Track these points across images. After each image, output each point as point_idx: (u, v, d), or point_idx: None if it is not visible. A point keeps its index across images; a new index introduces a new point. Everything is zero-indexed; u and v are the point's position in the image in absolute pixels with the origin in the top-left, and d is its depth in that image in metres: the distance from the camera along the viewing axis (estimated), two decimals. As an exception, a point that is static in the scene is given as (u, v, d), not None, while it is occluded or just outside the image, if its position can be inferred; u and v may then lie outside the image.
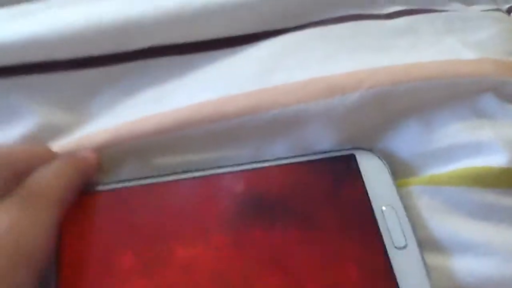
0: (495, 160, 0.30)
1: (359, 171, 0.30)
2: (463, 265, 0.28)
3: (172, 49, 0.34)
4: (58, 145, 0.31)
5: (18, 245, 0.23)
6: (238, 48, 0.35)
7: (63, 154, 0.30)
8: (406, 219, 0.28)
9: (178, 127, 0.31)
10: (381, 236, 0.27)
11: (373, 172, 0.30)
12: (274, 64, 0.34)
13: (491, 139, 0.31)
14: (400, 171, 0.31)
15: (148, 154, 0.31)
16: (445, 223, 0.29)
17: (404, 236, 0.27)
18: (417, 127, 0.32)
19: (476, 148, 0.31)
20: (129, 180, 0.30)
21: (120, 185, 0.30)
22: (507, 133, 0.31)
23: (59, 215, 0.26)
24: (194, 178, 0.30)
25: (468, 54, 0.34)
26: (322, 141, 0.32)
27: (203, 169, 0.30)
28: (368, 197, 0.29)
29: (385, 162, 0.30)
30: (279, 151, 0.32)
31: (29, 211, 0.24)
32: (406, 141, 0.32)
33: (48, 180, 0.27)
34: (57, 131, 0.32)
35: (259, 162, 0.31)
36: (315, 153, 0.31)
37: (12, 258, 0.23)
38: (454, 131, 0.31)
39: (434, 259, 0.28)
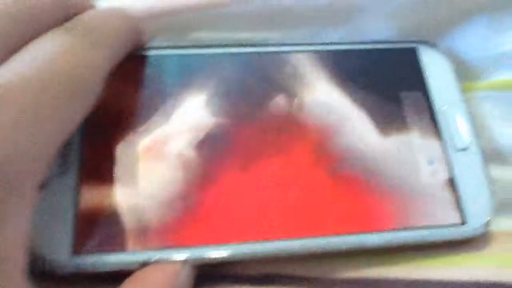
0: None
1: (421, 66, 0.27)
2: None
3: None
4: None
5: (75, 74, 0.20)
6: None
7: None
8: (469, 120, 0.25)
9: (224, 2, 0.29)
10: (441, 135, 0.25)
11: (435, 68, 0.27)
12: None
13: None
14: (463, 73, 0.28)
15: (187, 29, 0.29)
16: (508, 132, 0.26)
17: (465, 137, 0.25)
18: (485, 27, 0.29)
19: None
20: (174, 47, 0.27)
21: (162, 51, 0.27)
22: None
23: (112, 61, 0.22)
24: (243, 54, 0.27)
25: None
26: (382, 32, 0.29)
27: (256, 45, 0.27)
28: (429, 94, 0.26)
29: (449, 59, 0.28)
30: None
31: (86, 45, 0.21)
32: (471, 41, 0.29)
33: (105, 19, 0.23)
34: None
35: (312, 44, 0.28)
36: (374, 42, 0.28)
37: (67, 87, 0.19)
38: None
39: (496, 170, 0.25)
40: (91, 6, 0.24)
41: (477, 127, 0.26)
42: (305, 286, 0.22)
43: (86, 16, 0.22)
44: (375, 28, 0.29)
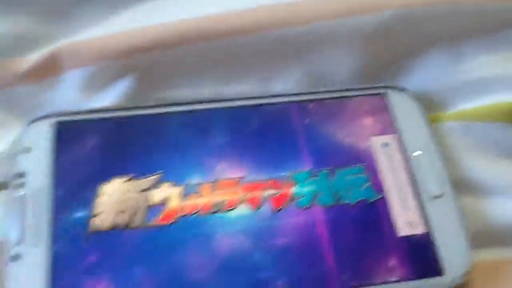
0: None
1: (392, 113, 0.27)
2: (497, 206, 0.26)
3: None
4: (30, 59, 0.27)
5: None
6: None
7: None
8: (442, 166, 0.25)
9: (176, 41, 0.27)
10: (415, 184, 0.25)
11: (406, 114, 0.27)
12: None
13: None
14: (428, 104, 0.28)
15: (142, 71, 0.28)
16: (477, 163, 0.27)
17: (440, 184, 0.25)
18: (445, 57, 0.29)
19: (508, 82, 0.28)
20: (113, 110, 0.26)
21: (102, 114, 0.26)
22: None
23: None
24: (192, 111, 0.26)
25: None
26: (341, 68, 0.28)
27: (203, 101, 0.27)
28: (401, 141, 0.26)
29: (419, 104, 0.27)
30: (292, 81, 0.29)
31: None
32: (433, 71, 0.29)
33: None
34: (30, 43, 0.28)
35: (275, 96, 0.27)
36: (340, 90, 0.28)
37: None
38: (485, 63, 0.29)
39: (466, 201, 0.26)
40: None
41: (446, 158, 0.26)
42: None
43: None
44: (334, 66, 0.28)
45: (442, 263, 0.23)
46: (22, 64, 0.27)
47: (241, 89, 0.28)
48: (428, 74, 0.29)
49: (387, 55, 0.29)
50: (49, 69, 0.27)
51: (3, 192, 0.24)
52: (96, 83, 0.27)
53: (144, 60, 0.27)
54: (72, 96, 0.27)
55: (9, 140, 0.26)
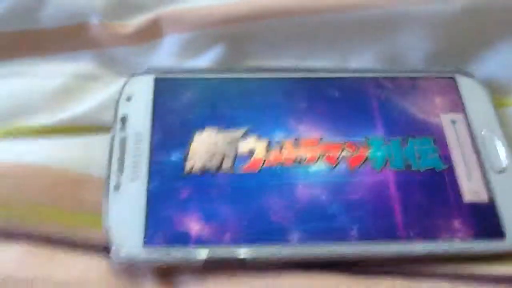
0: None
1: (460, 94, 0.29)
2: None
3: None
4: (131, 24, 0.30)
5: None
6: None
7: None
8: (506, 144, 0.28)
9: (266, 14, 0.30)
10: (481, 159, 0.27)
11: (473, 96, 0.29)
12: None
13: None
14: (493, 90, 0.30)
15: (233, 40, 0.30)
16: None
17: (504, 160, 0.27)
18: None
19: None
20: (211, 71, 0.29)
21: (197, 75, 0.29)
22: None
23: None
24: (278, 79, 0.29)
25: None
26: (413, 51, 0.30)
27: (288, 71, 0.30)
28: (469, 120, 0.28)
29: (486, 88, 0.29)
30: (366, 61, 0.31)
31: None
32: (500, 59, 0.30)
33: None
34: (135, 8, 0.31)
35: (356, 71, 0.30)
36: (413, 70, 0.30)
37: None
38: None
39: None
40: None
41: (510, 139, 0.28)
42: None
43: None
44: (408, 50, 0.30)
45: (504, 229, 0.25)
46: (127, 27, 0.30)
47: (319, 65, 0.31)
48: (495, 61, 0.30)
49: (458, 42, 0.30)
50: (151, 33, 0.30)
51: (107, 134, 0.27)
52: (191, 49, 0.30)
53: (236, 30, 0.30)
54: (168, 59, 0.30)
55: (110, 92, 0.29)
